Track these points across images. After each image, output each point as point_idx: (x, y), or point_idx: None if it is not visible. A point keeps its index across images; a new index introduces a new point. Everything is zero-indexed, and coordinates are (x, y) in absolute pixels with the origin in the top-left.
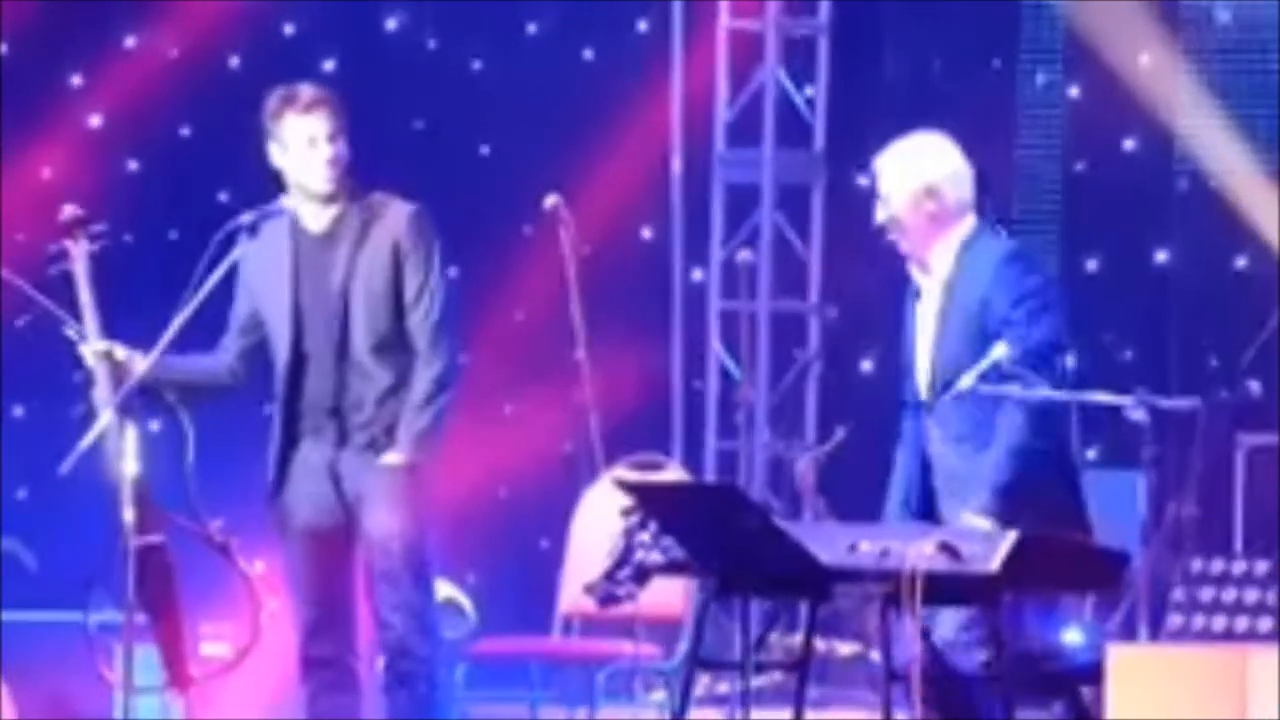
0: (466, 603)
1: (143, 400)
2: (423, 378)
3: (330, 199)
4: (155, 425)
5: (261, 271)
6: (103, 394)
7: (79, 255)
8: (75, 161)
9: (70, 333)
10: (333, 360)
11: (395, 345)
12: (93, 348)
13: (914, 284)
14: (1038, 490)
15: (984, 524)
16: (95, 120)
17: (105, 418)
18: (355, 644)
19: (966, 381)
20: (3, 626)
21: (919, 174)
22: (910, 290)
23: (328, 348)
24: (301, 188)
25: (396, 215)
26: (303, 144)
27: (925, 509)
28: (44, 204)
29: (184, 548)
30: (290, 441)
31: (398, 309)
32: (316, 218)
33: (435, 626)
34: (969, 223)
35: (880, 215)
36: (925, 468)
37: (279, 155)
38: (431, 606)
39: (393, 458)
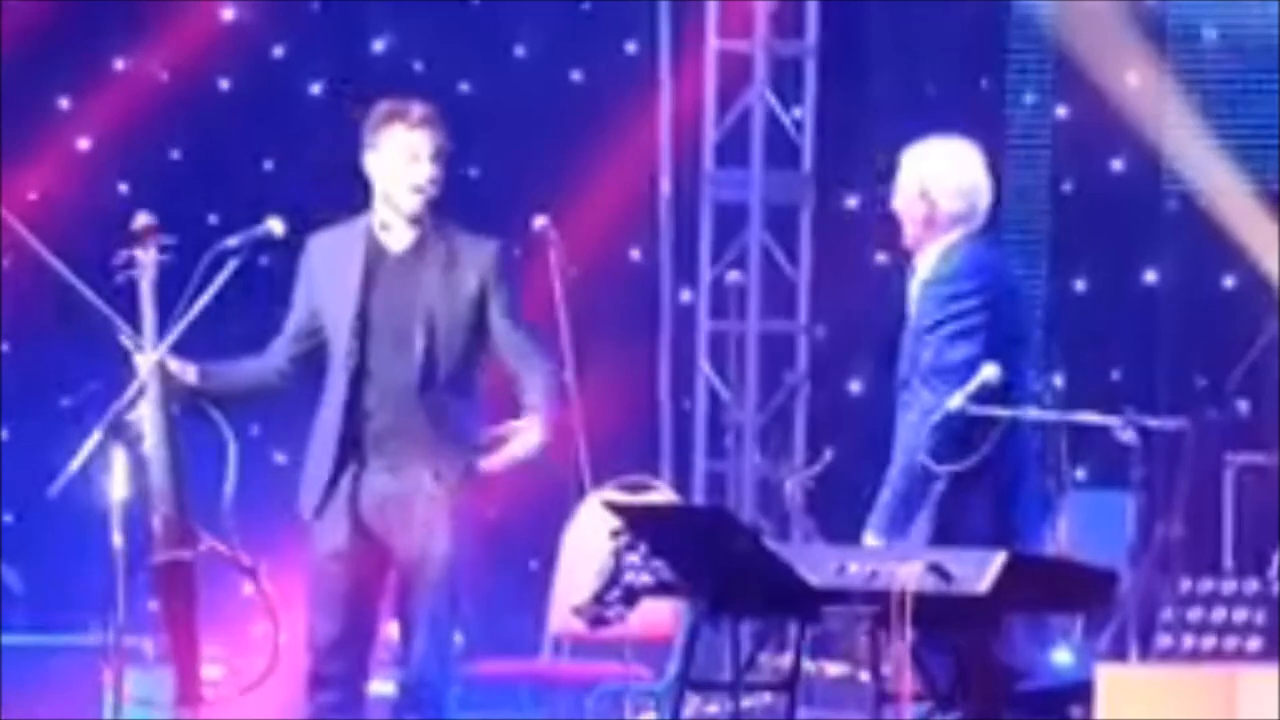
0: None
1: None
2: (542, 377)
3: (416, 219)
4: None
5: (328, 282)
6: (152, 406)
7: (147, 264)
8: (64, 184)
9: (126, 341)
10: (403, 384)
11: (463, 378)
12: (148, 358)
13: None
14: (955, 511)
15: (876, 542)
16: (84, 143)
17: (94, 441)
18: (369, 666)
19: (956, 401)
20: (2, 651)
21: (921, 176)
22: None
23: (400, 370)
24: (391, 202)
25: (483, 249)
26: (405, 158)
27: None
28: (33, 227)
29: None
30: (345, 459)
31: (472, 343)
32: (399, 236)
33: (455, 658)
34: (957, 234)
35: (894, 204)
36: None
37: (374, 164)
38: (454, 635)
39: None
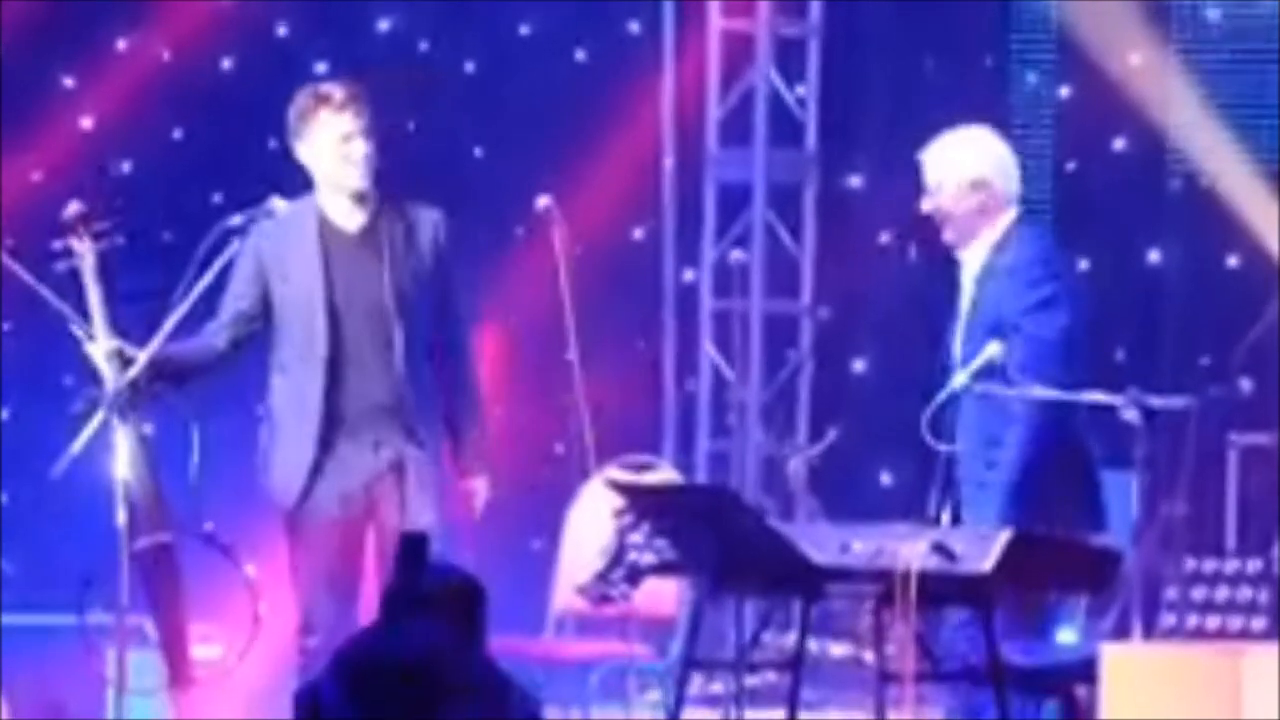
0: None
1: (141, 398)
2: (471, 383)
3: (363, 197)
4: (148, 427)
5: (283, 266)
6: (115, 392)
7: (85, 252)
8: (67, 163)
9: (77, 331)
10: (383, 361)
11: (435, 349)
12: (101, 347)
13: (957, 273)
14: (1050, 496)
15: (1004, 534)
16: (87, 122)
17: (99, 418)
18: None
19: (960, 379)
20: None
21: (969, 166)
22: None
23: (378, 349)
24: (335, 185)
25: (432, 220)
26: (336, 140)
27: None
28: (36, 207)
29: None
30: (328, 442)
31: (439, 315)
32: (350, 215)
33: None
34: (1010, 215)
35: (926, 206)
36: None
37: (307, 153)
38: None
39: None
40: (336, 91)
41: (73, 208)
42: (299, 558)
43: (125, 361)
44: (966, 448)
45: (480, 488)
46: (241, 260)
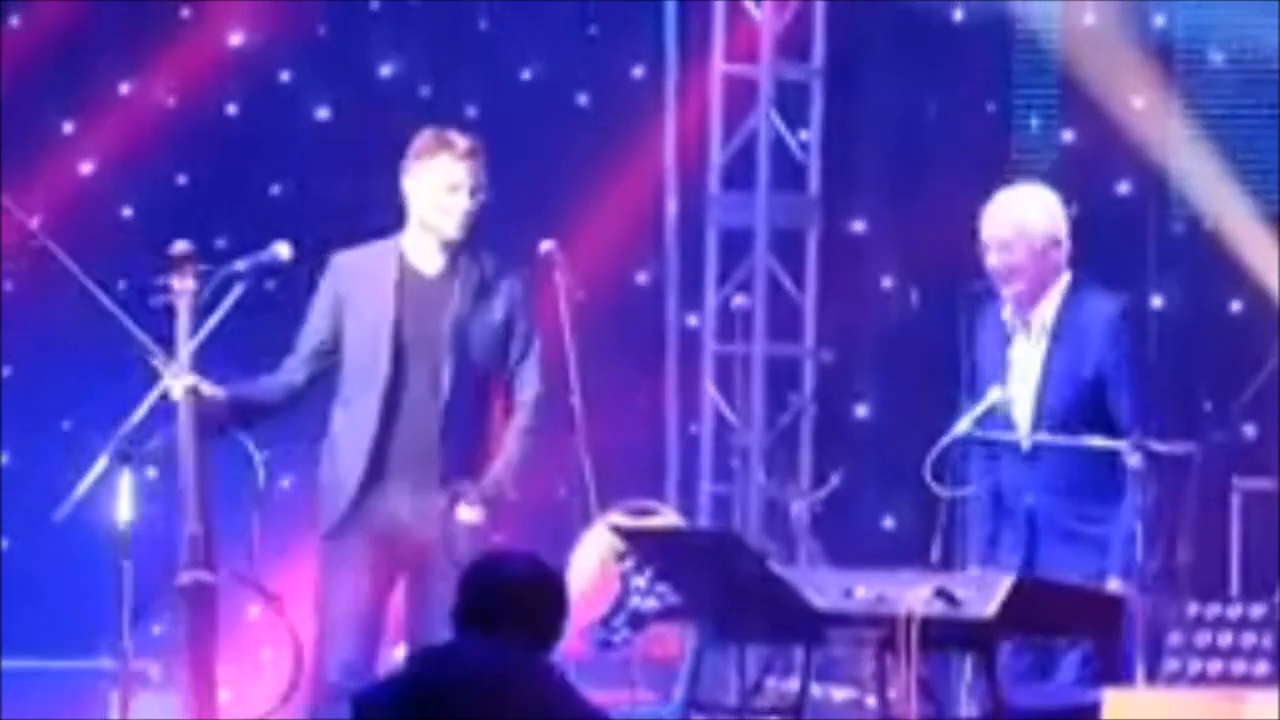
0: None
1: (210, 436)
2: (520, 442)
3: (450, 244)
4: (152, 472)
5: (360, 302)
6: (185, 429)
7: (184, 290)
8: (68, 208)
9: (158, 365)
10: (430, 405)
11: (486, 401)
12: (182, 382)
13: (1004, 325)
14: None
15: (1007, 580)
16: (87, 167)
17: (101, 465)
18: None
19: (963, 426)
20: (2, 674)
21: (1049, 223)
22: (986, 326)
23: (428, 391)
24: (427, 226)
25: (514, 278)
26: (444, 188)
27: (1024, 555)
28: (36, 251)
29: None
30: (372, 478)
31: (497, 367)
32: (432, 258)
33: None
34: (1069, 273)
35: (996, 260)
36: (1000, 509)
37: (412, 189)
38: None
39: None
40: (461, 141)
41: (179, 246)
42: (327, 590)
43: (200, 399)
44: (1044, 499)
45: (469, 514)
46: (319, 297)
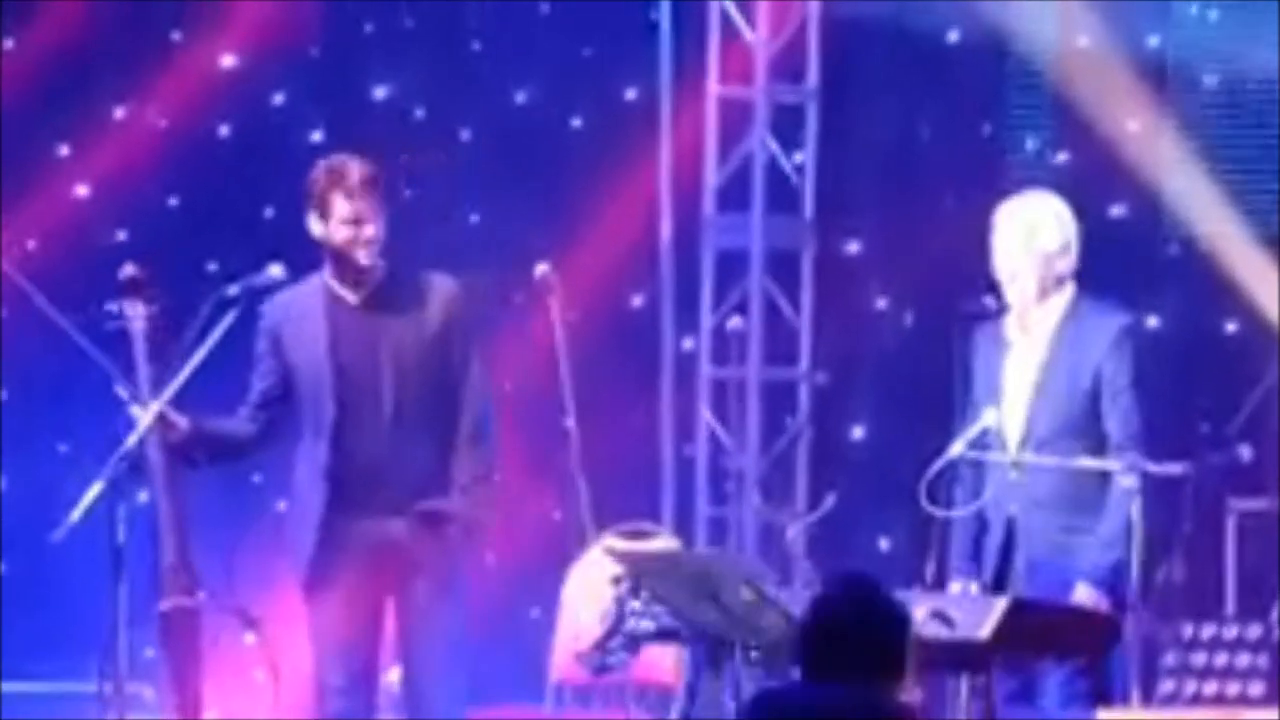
0: None
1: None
2: (472, 457)
3: (369, 270)
4: (144, 496)
5: (296, 342)
6: (154, 457)
7: (136, 315)
8: (62, 231)
9: (122, 392)
10: (376, 431)
11: (438, 418)
12: (148, 408)
13: (1002, 338)
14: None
15: (1093, 597)
16: (82, 190)
17: (96, 488)
18: (376, 709)
19: (958, 447)
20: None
21: (1062, 231)
22: (983, 342)
23: (372, 418)
24: (343, 260)
25: (443, 289)
26: (348, 223)
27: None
28: (31, 275)
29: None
30: (333, 509)
31: (441, 382)
32: (355, 288)
33: (462, 702)
34: (1072, 286)
35: (1003, 265)
36: (982, 520)
37: (318, 226)
38: (463, 682)
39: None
40: (352, 173)
41: (127, 269)
42: (312, 622)
43: (168, 425)
44: (1031, 511)
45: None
46: (258, 341)
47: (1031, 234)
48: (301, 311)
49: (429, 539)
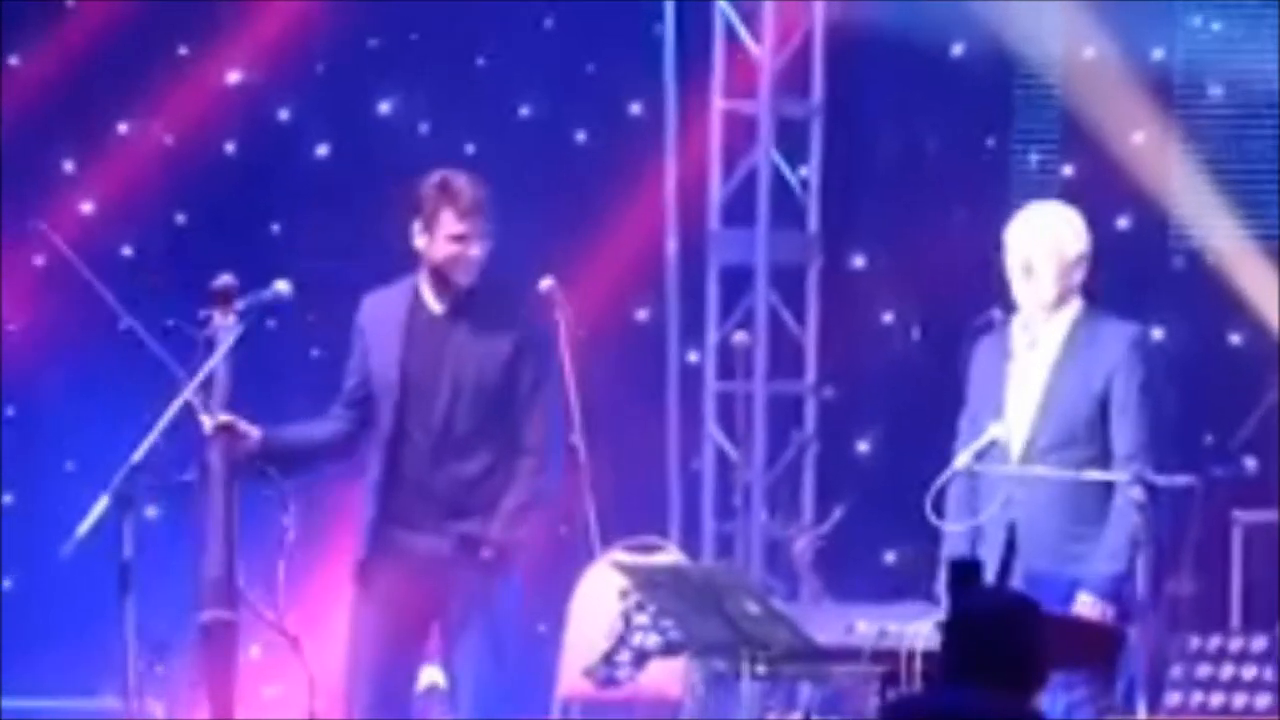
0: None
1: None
2: (528, 487)
3: (460, 286)
4: (152, 511)
5: (377, 343)
6: (216, 467)
7: (224, 325)
8: (68, 248)
9: (193, 400)
10: (427, 445)
11: (491, 439)
12: (216, 419)
13: (1007, 349)
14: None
15: (1096, 607)
16: (88, 206)
17: (102, 504)
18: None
19: (963, 460)
20: (4, 715)
21: (1078, 240)
22: (986, 352)
23: (425, 432)
24: (438, 273)
25: (524, 314)
26: (453, 240)
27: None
28: (36, 290)
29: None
30: (384, 520)
31: (502, 402)
32: (440, 297)
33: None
34: (1079, 300)
35: (1018, 272)
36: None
37: (422, 239)
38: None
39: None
40: (465, 192)
41: (223, 279)
42: (352, 632)
43: (234, 436)
44: (1035, 517)
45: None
46: (353, 338)
47: (1055, 236)
48: (386, 314)
49: (465, 560)
